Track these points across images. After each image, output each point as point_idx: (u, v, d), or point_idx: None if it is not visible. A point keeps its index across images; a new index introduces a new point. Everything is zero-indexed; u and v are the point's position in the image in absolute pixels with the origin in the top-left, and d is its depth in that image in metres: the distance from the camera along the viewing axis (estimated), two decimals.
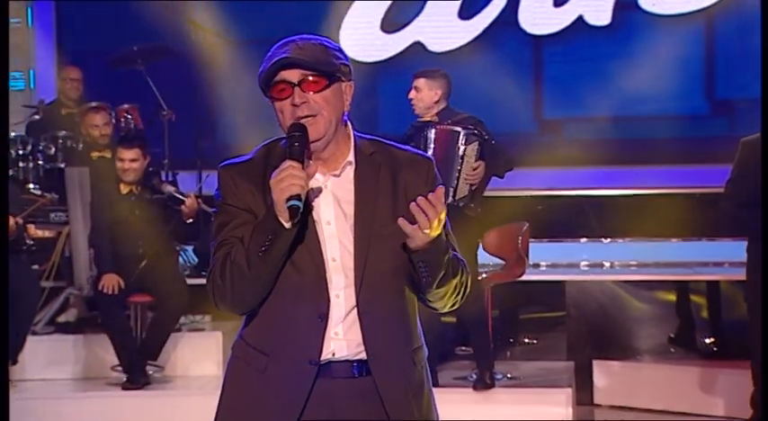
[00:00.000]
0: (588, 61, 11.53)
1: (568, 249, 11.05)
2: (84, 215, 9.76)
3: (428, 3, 11.66)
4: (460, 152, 8.58)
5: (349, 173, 3.55)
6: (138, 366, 9.19)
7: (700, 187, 10.37)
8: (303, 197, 3.34)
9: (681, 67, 11.50)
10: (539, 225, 9.69)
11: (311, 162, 3.44)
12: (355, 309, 3.50)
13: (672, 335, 10.44)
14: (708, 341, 10.32)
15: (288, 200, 3.31)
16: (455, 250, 3.57)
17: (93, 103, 10.72)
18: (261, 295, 3.50)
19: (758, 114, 6.86)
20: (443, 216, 3.36)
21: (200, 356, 9.74)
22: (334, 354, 3.50)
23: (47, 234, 10.34)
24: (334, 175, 3.53)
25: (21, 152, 10.73)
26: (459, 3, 11.67)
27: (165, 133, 10.87)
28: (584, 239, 11.16)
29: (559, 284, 10.54)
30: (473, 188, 8.68)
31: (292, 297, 3.49)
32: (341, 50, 3.55)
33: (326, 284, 3.49)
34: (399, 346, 3.57)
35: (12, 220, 9.07)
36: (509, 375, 9.13)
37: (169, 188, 9.88)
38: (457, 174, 8.56)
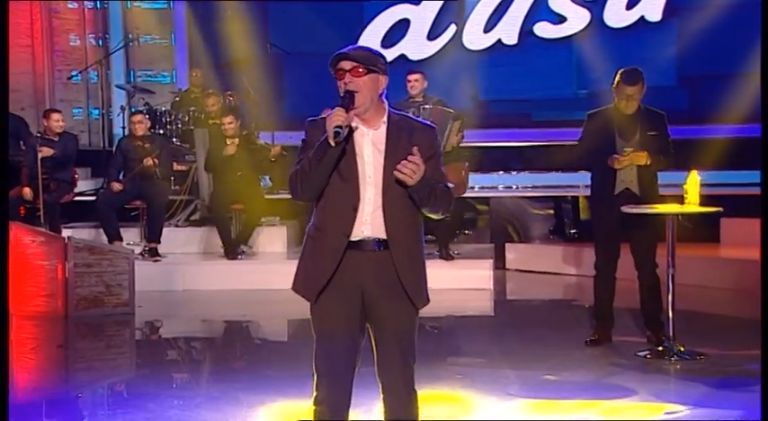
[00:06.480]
0: (504, 66, 11.41)
1: (492, 178, 11.01)
2: (205, 156, 9.80)
3: (409, 30, 11.58)
4: (449, 126, 8.54)
5: (383, 129, 3.50)
6: (236, 246, 9.29)
7: (569, 141, 10.30)
8: (345, 128, 3.34)
9: (559, 69, 11.36)
10: (475, 163, 9.74)
11: (355, 118, 3.44)
12: (381, 207, 3.45)
13: (551, 228, 10.57)
14: (572, 231, 10.45)
15: (334, 128, 3.33)
16: (442, 181, 3.52)
17: (209, 90, 10.73)
18: (318, 188, 3.45)
19: (605, 98, 6.73)
20: (420, 171, 3.35)
21: (273, 241, 9.77)
22: (363, 233, 3.46)
23: (183, 167, 10.36)
24: (374, 130, 3.50)
25: (168, 120, 10.76)
26: (428, 30, 11.60)
27: (252, 108, 10.83)
28: (501, 172, 11.13)
29: (487, 199, 10.66)
30: (454, 146, 8.65)
31: (339, 195, 3.46)
32: (382, 56, 3.54)
33: (360, 189, 3.45)
34: (408, 233, 3.51)
35: (150, 160, 9.22)
36: (455, 252, 9.22)
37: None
38: (445, 140, 8.45)
